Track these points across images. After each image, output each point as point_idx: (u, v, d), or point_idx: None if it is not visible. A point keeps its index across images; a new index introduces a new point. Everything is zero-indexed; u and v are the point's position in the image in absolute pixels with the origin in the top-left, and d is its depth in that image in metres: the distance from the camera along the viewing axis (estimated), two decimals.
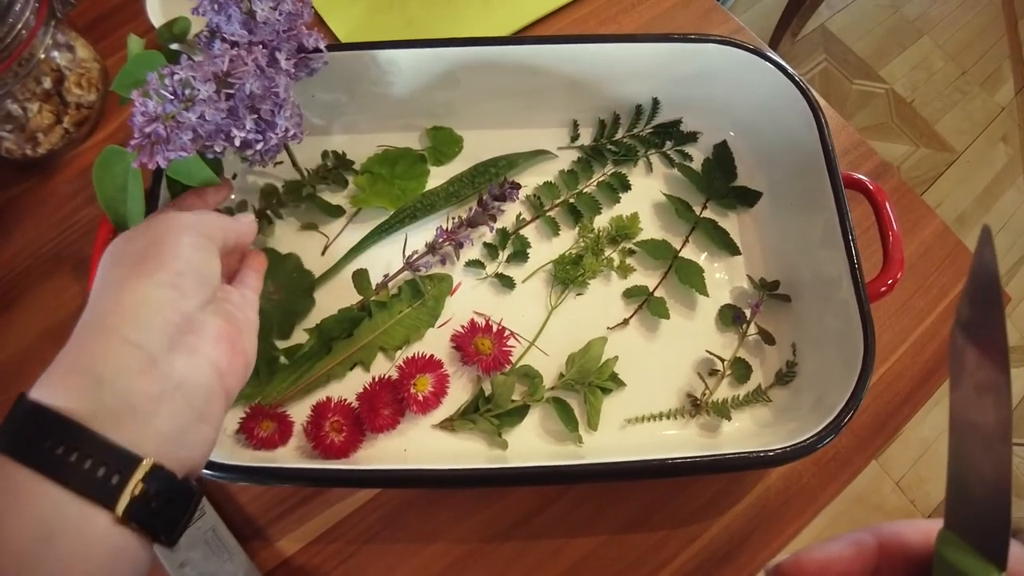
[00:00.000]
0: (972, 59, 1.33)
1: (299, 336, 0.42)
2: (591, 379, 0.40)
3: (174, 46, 0.43)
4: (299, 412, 0.40)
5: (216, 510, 0.40)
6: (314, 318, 0.42)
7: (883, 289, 0.39)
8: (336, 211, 0.44)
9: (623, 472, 0.34)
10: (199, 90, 0.35)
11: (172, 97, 0.35)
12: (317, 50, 0.40)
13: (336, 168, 0.45)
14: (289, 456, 0.40)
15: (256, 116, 0.37)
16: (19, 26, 0.45)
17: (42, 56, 0.46)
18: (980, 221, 1.18)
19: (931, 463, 1.04)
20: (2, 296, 0.48)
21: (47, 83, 0.48)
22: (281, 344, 0.41)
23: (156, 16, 0.49)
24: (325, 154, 0.46)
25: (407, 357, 0.40)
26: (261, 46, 0.39)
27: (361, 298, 0.42)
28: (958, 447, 0.19)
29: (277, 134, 0.38)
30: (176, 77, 0.35)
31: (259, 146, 0.38)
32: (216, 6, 0.39)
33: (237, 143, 0.37)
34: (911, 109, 1.26)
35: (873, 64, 1.29)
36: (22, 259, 0.49)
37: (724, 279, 0.44)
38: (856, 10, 1.34)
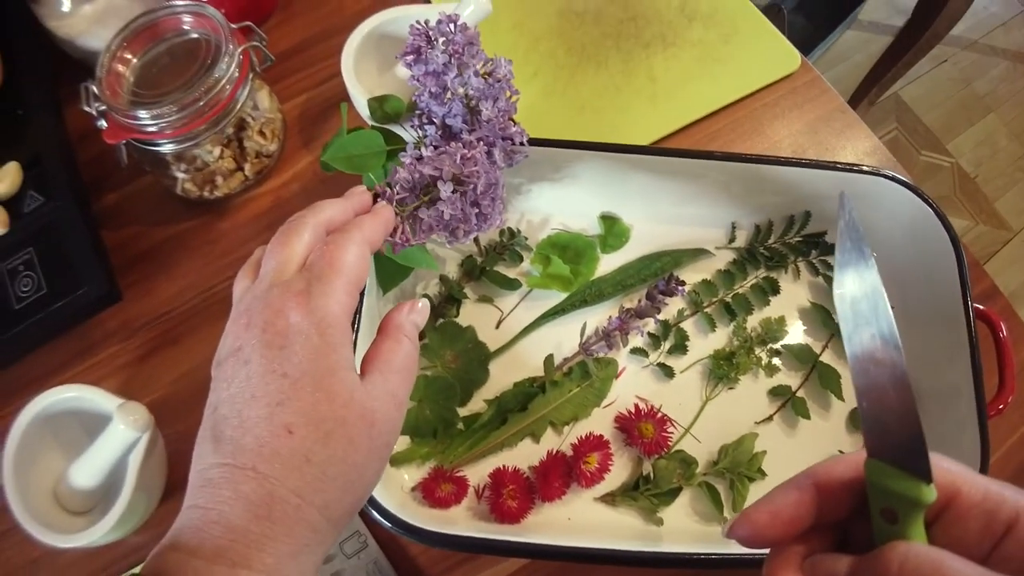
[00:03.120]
0: None
1: (474, 404, 0.49)
2: (740, 469, 0.48)
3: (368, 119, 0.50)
4: (471, 474, 0.48)
5: (381, 547, 0.47)
6: (487, 388, 0.50)
7: (993, 414, 0.48)
8: (513, 284, 0.52)
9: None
10: (440, 189, 0.42)
11: (409, 192, 0.42)
12: (521, 143, 0.48)
13: (512, 246, 0.53)
14: (460, 515, 0.47)
15: (478, 211, 0.45)
16: (223, 80, 0.51)
17: (238, 107, 0.53)
18: None
19: None
20: (170, 330, 0.54)
21: (229, 129, 0.55)
22: (461, 411, 0.49)
23: (348, 63, 0.54)
24: (502, 232, 0.53)
25: (581, 436, 0.48)
26: (480, 141, 0.46)
27: (533, 376, 0.50)
28: (863, 385, 0.23)
29: (490, 224, 0.46)
30: (416, 174, 0.42)
31: (474, 235, 0.45)
32: (439, 100, 0.47)
33: (461, 234, 0.44)
34: (974, 185, 1.38)
35: (941, 136, 1.41)
36: (190, 295, 0.55)
37: None
38: (929, 81, 1.46)
